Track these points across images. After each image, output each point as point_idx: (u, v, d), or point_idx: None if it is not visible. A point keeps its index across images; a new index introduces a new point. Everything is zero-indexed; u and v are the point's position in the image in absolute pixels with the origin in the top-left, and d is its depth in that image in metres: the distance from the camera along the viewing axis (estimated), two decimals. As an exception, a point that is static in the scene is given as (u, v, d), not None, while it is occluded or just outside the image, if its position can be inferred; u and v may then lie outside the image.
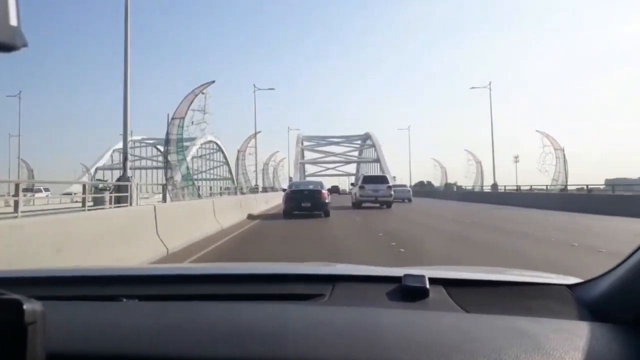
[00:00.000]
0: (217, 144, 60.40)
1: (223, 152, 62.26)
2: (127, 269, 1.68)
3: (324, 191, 17.41)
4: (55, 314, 0.83)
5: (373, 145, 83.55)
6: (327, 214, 16.77)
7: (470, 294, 1.12)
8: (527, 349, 0.74)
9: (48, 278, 1.33)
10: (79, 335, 0.78)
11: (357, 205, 22.82)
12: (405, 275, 1.14)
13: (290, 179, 57.95)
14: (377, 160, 79.52)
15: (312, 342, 0.78)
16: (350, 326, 0.88)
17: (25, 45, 0.49)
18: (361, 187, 22.91)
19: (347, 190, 63.60)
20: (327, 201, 17.13)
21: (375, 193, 22.48)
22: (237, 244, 9.32)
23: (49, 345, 0.54)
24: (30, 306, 0.51)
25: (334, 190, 27.33)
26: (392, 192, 23.09)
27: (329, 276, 1.27)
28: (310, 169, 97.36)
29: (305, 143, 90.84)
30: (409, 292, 1.09)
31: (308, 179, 79.49)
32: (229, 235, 10.65)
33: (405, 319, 0.92)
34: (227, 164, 42.78)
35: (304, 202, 16.84)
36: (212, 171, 62.09)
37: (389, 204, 22.57)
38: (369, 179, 23.89)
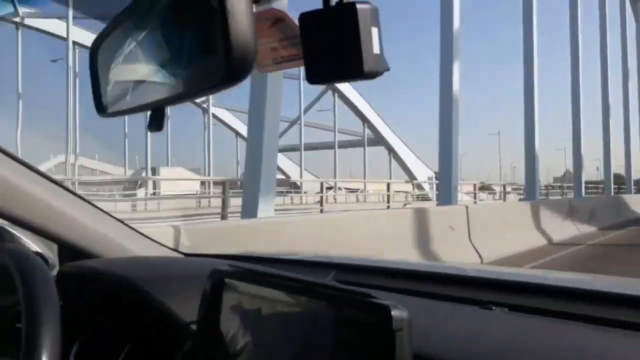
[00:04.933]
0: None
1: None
2: (493, 271, 1.52)
3: None
4: (419, 310, 0.80)
5: None
6: None
7: None
8: None
9: (407, 272, 1.32)
10: (442, 338, 0.72)
11: None
12: None
13: None
14: None
15: None
16: None
17: (387, 69, 0.55)
18: None
19: None
20: None
21: None
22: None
23: (414, 345, 0.54)
24: (398, 313, 0.52)
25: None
26: None
27: None
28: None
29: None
30: None
31: None
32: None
33: None
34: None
35: None
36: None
37: None
38: None
